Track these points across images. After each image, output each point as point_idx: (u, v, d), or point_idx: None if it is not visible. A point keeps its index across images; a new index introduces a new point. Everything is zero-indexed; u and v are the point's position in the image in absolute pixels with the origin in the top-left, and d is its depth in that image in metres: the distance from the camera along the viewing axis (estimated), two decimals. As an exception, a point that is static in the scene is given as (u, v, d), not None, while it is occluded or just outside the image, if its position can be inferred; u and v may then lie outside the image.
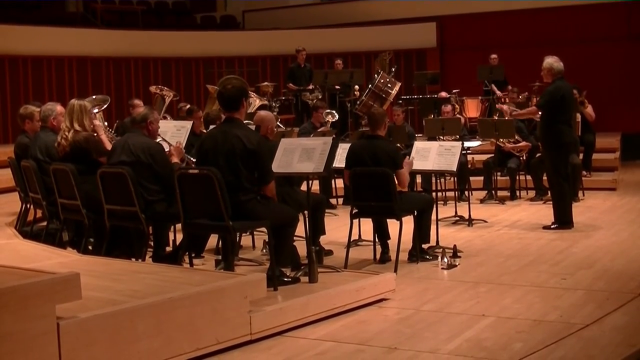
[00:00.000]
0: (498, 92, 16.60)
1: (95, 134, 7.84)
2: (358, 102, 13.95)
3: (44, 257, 6.66)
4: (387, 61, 15.71)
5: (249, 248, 8.80)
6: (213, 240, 8.28)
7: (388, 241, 8.09)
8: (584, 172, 12.88)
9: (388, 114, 13.13)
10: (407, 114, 15.42)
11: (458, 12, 19.53)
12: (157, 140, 7.60)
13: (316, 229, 7.78)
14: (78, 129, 7.67)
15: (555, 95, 9.44)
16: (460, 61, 19.31)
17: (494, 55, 17.06)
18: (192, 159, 7.92)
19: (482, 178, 12.48)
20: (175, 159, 7.45)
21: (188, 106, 11.84)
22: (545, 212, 9.90)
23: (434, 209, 8.33)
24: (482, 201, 12.12)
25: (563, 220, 9.56)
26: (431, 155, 8.75)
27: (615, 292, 6.58)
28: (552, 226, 9.57)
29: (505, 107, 11.11)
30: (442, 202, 11.54)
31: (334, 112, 12.71)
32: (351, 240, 8.03)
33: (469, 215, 10.22)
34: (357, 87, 16.08)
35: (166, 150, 7.51)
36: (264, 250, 8.30)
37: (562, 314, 5.94)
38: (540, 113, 9.68)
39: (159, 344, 4.80)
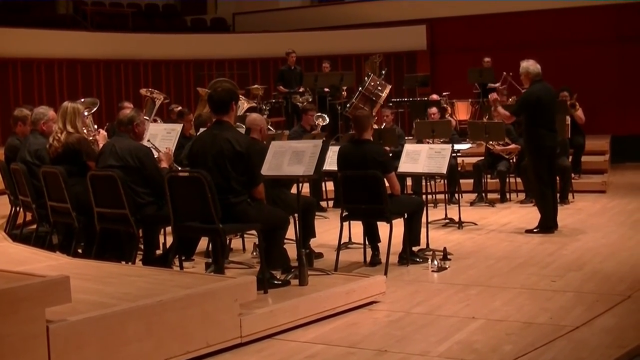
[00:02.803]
0: (496, 85, 16.54)
1: (90, 138, 7.85)
2: (348, 105, 13.95)
3: (34, 260, 6.65)
4: (377, 64, 15.72)
5: (239, 251, 8.80)
6: (203, 243, 8.27)
7: (378, 244, 8.09)
8: (573, 175, 12.90)
9: (377, 116, 13.18)
10: (397, 116, 15.42)
11: (448, 14, 19.58)
12: (145, 143, 7.59)
13: (306, 231, 7.79)
14: (70, 130, 7.67)
15: (529, 100, 9.42)
16: (450, 64, 19.34)
17: (487, 59, 17.09)
18: (179, 168, 7.90)
19: (472, 180, 12.50)
20: (164, 165, 7.44)
21: (179, 108, 11.82)
22: (535, 214, 9.91)
23: (424, 211, 8.35)
24: (472, 204, 12.13)
25: (545, 225, 9.55)
26: (421, 157, 8.76)
27: (604, 294, 6.60)
28: (534, 230, 9.58)
29: (495, 95, 11.00)
30: (433, 205, 11.53)
31: (324, 115, 12.71)
32: (341, 243, 8.02)
33: (459, 218, 10.24)
34: (345, 88, 16.09)
35: (155, 156, 7.50)
36: (254, 253, 8.30)
37: (552, 316, 5.95)
38: (514, 119, 9.63)
39: (150, 347, 4.80)
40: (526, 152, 9.93)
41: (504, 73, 15.41)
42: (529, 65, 9.54)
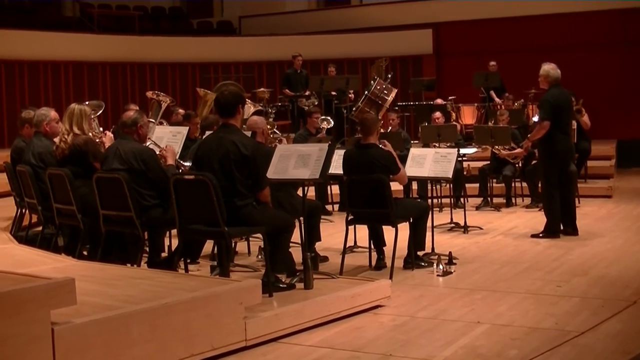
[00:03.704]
0: (497, 99, 16.60)
1: (97, 140, 7.87)
2: (354, 109, 13.96)
3: (39, 262, 6.66)
4: (383, 67, 15.72)
5: (245, 254, 8.80)
6: (208, 246, 8.27)
7: (383, 248, 8.09)
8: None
9: (383, 120, 13.18)
10: (403, 120, 15.42)
11: (454, 18, 19.57)
12: (147, 144, 7.60)
13: (312, 235, 7.78)
14: (77, 132, 7.68)
15: (551, 103, 9.44)
16: (456, 67, 19.34)
17: (492, 62, 17.06)
18: (184, 163, 7.90)
19: (477, 185, 12.50)
20: (170, 161, 7.43)
21: (183, 111, 11.81)
22: (540, 219, 9.90)
23: (430, 215, 8.33)
24: (477, 208, 12.14)
25: (550, 230, 9.55)
26: (427, 161, 8.75)
27: (610, 299, 6.58)
28: (540, 235, 9.57)
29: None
30: (438, 209, 11.55)
31: (329, 118, 12.72)
32: (347, 246, 8.03)
33: (465, 222, 10.23)
34: (352, 91, 16.10)
35: (158, 153, 7.50)
36: (260, 256, 8.30)
37: (557, 321, 5.94)
38: (547, 124, 9.46)
39: (154, 350, 4.80)
40: (539, 154, 9.89)
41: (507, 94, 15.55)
42: (550, 68, 9.55)
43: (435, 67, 19.74)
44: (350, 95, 15.98)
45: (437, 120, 12.86)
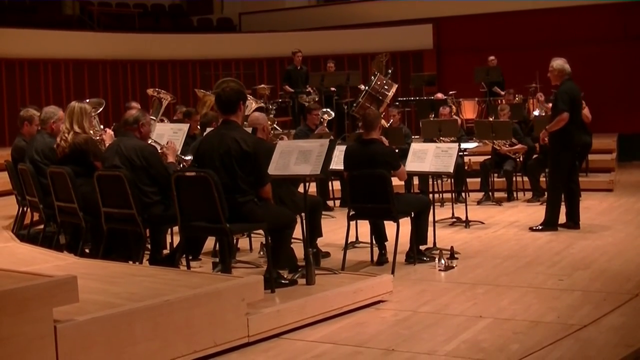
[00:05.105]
0: (502, 92, 16.57)
1: (97, 138, 7.87)
2: (355, 104, 13.95)
3: (41, 260, 6.66)
4: (383, 63, 15.68)
5: (246, 250, 8.80)
6: (210, 243, 8.28)
7: (385, 243, 8.09)
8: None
9: (384, 116, 13.19)
10: (404, 115, 15.42)
11: (455, 13, 19.56)
12: (149, 142, 7.60)
13: (313, 231, 7.78)
14: (78, 130, 7.68)
15: (571, 95, 9.42)
16: (457, 63, 19.33)
17: (491, 57, 17.05)
18: (185, 157, 7.90)
19: (479, 179, 12.50)
20: (170, 159, 7.44)
21: (185, 109, 11.82)
22: (542, 213, 9.90)
23: (431, 210, 8.33)
24: (479, 203, 12.13)
25: (549, 222, 9.56)
26: (428, 156, 8.74)
27: (612, 293, 6.58)
28: (538, 227, 9.57)
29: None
30: (439, 204, 11.55)
31: (329, 110, 12.73)
32: (348, 242, 8.03)
33: (466, 217, 10.23)
34: (362, 87, 16.08)
35: (159, 150, 7.50)
36: (261, 253, 8.30)
37: (560, 315, 5.94)
38: (567, 116, 9.37)
39: (157, 347, 4.80)
40: (551, 146, 9.81)
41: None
42: (563, 63, 9.54)
43: (435, 62, 19.73)
44: (360, 87, 15.97)
45: (444, 116, 12.85)
